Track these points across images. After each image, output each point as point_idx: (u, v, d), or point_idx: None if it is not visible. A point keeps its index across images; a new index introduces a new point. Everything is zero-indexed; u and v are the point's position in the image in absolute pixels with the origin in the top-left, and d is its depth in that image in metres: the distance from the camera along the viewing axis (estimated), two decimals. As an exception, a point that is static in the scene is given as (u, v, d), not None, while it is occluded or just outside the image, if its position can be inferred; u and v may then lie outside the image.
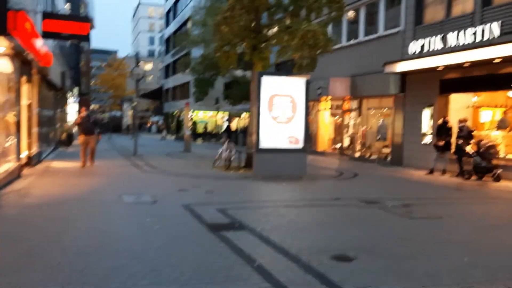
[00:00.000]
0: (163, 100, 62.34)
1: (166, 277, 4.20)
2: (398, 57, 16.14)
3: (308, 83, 12.63)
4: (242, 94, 31.71)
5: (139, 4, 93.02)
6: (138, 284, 3.99)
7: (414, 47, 15.54)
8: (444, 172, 13.95)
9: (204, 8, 32.75)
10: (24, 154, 12.17)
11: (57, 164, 14.23)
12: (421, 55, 15.07)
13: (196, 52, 37.28)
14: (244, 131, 27.94)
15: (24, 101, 12.20)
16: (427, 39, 15.03)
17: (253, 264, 4.62)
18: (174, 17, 56.49)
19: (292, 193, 10.15)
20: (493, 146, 12.74)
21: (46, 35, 14.07)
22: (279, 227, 6.40)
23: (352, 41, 19.94)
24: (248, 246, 5.26)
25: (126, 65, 66.93)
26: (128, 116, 43.58)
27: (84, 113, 14.84)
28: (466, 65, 13.43)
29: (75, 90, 34.37)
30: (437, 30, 14.88)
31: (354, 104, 20.37)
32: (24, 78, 12.09)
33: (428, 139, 15.58)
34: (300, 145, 12.53)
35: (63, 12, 20.96)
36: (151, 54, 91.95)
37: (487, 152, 12.62)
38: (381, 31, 18.12)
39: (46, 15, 14.51)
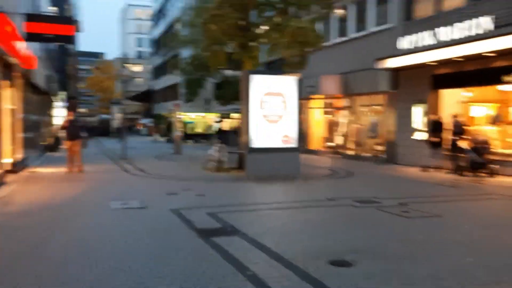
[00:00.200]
0: (152, 102, 61.84)
1: (153, 289, 3.91)
2: (389, 54, 15.97)
3: (299, 81, 12.39)
4: (233, 94, 31.39)
5: (126, 5, 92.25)
6: (123, 299, 3.71)
7: (404, 43, 15.38)
8: (438, 168, 13.79)
9: (193, 8, 32.47)
10: (7, 160, 11.77)
11: (43, 170, 13.83)
12: (412, 50, 14.91)
13: (185, 53, 36.92)
14: (236, 131, 27.63)
15: (6, 106, 11.80)
16: (418, 35, 14.88)
17: (246, 272, 4.35)
18: (162, 18, 56.02)
19: (286, 194, 9.89)
20: (487, 142, 12.61)
21: (29, 37, 13.67)
22: (273, 230, 6.14)
23: (343, 38, 19.75)
24: (240, 253, 4.99)
25: (114, 68, 66.33)
26: (117, 119, 43.05)
27: (70, 117, 14.47)
28: (458, 60, 13.29)
29: (63, 93, 33.79)
30: (428, 25, 14.72)
31: (345, 102, 20.19)
32: (6, 82, 11.69)
33: (421, 136, 15.43)
34: (293, 144, 12.29)
35: (47, 14, 20.49)
36: (139, 55, 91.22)
37: (481, 148, 12.48)
38: (371, 28, 17.95)
39: (29, 17, 14.09)
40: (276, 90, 12.10)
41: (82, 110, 68.46)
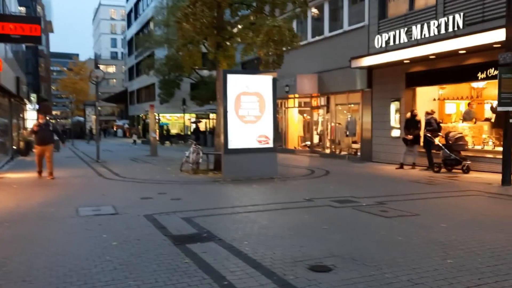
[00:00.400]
0: (128, 103, 60.85)
1: (122, 304, 3.68)
2: (364, 52, 16.02)
3: (275, 81, 12.25)
4: (209, 95, 31.14)
5: (99, 5, 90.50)
6: (89, 316, 3.46)
7: (379, 41, 15.44)
8: (414, 165, 13.89)
9: (166, 7, 31.94)
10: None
11: (12, 175, 13.29)
12: (386, 49, 14.97)
13: (160, 53, 36.43)
14: (213, 132, 27.37)
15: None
16: (392, 33, 14.95)
17: (222, 282, 4.16)
18: (136, 18, 55.13)
19: (264, 195, 9.73)
20: (461, 138, 12.75)
21: (-6, 38, 13.15)
22: (251, 235, 5.96)
23: (318, 37, 19.74)
24: (216, 260, 4.79)
25: (88, 69, 64.96)
26: (91, 121, 42.11)
27: (41, 120, 13.94)
28: (431, 57, 13.40)
29: (34, 96, 32.78)
30: (401, 23, 14.81)
31: (322, 100, 20.19)
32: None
33: (396, 133, 15.53)
34: (270, 144, 12.14)
35: (12, 14, 19.79)
36: (114, 56, 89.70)
37: (455, 144, 12.62)
38: (346, 26, 17.98)
39: (-7, 17, 13.56)
40: (252, 89, 11.94)
41: (55, 112, 66.79)
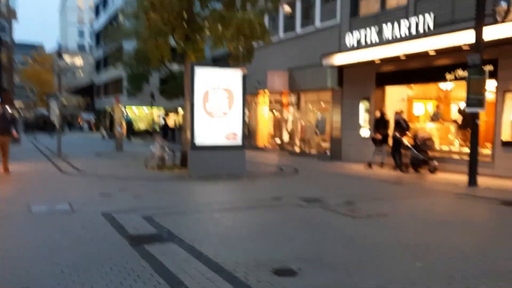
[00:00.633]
0: (94, 96, 59.19)
1: (65, 314, 3.31)
2: (335, 50, 15.92)
3: (245, 77, 11.95)
4: (178, 89, 30.51)
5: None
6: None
7: (350, 39, 15.37)
8: (382, 165, 13.90)
9: (136, -1, 31.09)
10: None
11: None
12: (357, 47, 14.92)
13: (129, 46, 35.43)
14: (181, 127, 26.81)
15: None
16: (363, 32, 14.90)
17: (179, 287, 3.84)
18: (105, 9, 53.58)
19: (230, 194, 9.43)
20: (429, 139, 12.82)
21: None
22: (214, 236, 5.65)
23: (290, 34, 19.55)
24: (175, 263, 4.47)
25: (53, 60, 62.75)
26: (55, 114, 40.65)
27: (-2, 110, 13.08)
28: (402, 57, 13.40)
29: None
30: (373, 22, 14.78)
31: (292, 98, 20.04)
32: None
33: (365, 133, 15.53)
34: (238, 141, 11.84)
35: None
36: (81, 48, 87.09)
37: (423, 145, 12.67)
38: (318, 24, 17.86)
39: None
40: (221, 84, 11.59)
41: (17, 103, 64.18)
